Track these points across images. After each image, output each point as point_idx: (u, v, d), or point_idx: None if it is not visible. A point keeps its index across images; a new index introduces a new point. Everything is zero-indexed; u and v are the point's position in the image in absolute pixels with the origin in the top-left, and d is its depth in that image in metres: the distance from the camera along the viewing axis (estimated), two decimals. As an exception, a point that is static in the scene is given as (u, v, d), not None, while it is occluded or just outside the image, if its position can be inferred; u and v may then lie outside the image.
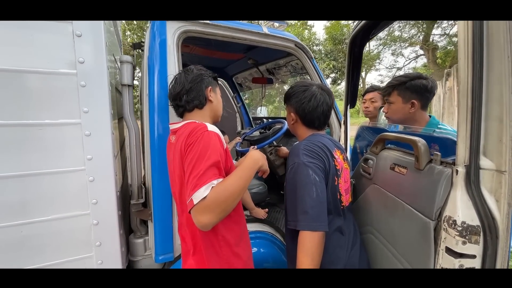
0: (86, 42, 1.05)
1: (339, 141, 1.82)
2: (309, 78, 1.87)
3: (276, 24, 1.77)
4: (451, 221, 0.70)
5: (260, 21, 1.66)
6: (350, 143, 1.81)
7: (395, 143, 1.18)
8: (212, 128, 0.95)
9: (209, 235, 0.96)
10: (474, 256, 0.68)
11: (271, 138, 2.02)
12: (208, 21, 1.40)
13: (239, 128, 3.40)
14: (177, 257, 1.37)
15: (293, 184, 0.97)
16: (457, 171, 0.70)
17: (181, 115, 1.10)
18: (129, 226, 1.48)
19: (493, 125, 0.64)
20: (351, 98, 1.66)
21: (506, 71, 0.61)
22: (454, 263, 0.69)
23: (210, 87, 1.09)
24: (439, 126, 1.24)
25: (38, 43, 0.98)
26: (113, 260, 1.21)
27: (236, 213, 1.05)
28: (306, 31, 16.14)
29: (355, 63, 1.52)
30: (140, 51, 1.39)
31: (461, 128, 0.69)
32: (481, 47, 0.63)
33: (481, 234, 0.67)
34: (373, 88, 2.14)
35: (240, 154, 2.27)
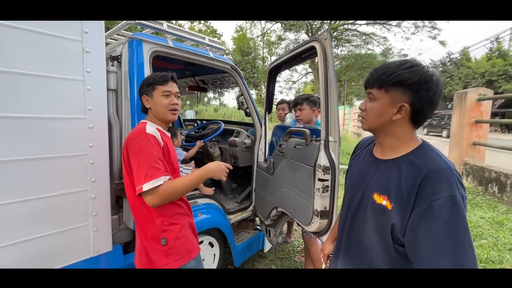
0: (92, 57, 1.39)
1: (261, 138, 2.59)
2: (240, 92, 2.58)
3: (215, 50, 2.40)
4: (320, 165, 1.55)
5: (206, 47, 2.24)
6: (268, 138, 2.63)
7: (296, 134, 2.04)
8: (150, 130, 1.18)
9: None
10: (328, 180, 1.55)
11: (211, 135, 2.64)
12: (172, 45, 1.89)
13: (170, 129, 3.76)
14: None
15: (449, 222, 0.70)
16: (321, 143, 1.56)
17: None
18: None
19: (332, 121, 1.53)
20: (269, 106, 2.48)
21: (335, 98, 1.50)
22: (323, 184, 1.54)
23: (144, 95, 1.31)
24: (319, 124, 2.21)
25: (58, 56, 1.28)
26: (105, 227, 1.54)
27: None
28: (216, 38, 16.84)
29: (272, 84, 2.34)
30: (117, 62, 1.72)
31: (322, 123, 1.55)
32: (327, 87, 1.50)
33: (330, 169, 1.54)
34: (282, 101, 3.23)
35: (185, 148, 2.75)
